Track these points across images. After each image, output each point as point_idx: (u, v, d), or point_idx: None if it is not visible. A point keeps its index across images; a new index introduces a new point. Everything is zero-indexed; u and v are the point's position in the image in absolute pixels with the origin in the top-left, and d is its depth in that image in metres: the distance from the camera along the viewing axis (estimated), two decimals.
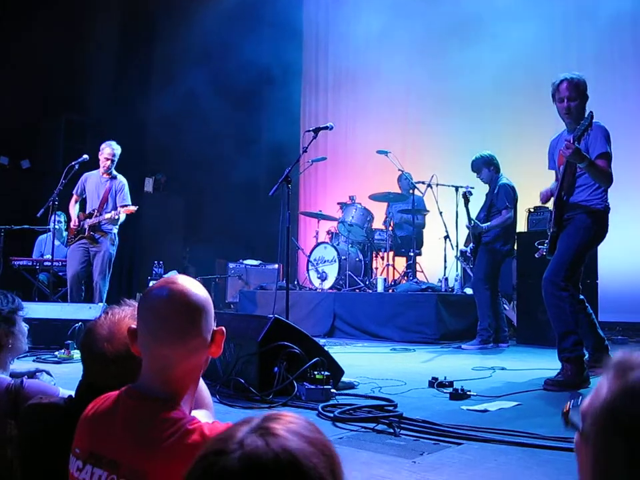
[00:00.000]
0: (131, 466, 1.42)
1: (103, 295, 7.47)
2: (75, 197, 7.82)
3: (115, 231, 7.68)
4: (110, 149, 7.66)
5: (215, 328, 1.60)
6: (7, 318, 2.39)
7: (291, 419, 0.98)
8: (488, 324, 7.02)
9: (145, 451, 1.42)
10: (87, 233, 7.56)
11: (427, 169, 9.17)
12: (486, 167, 7.19)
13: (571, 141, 4.48)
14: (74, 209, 7.77)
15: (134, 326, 1.62)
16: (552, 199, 4.92)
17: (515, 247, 7.49)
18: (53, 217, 8.13)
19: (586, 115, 4.53)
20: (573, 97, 4.69)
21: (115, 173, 7.76)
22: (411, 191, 8.93)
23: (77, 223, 7.63)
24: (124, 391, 1.55)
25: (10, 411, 2.19)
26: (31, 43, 9.28)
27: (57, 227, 8.84)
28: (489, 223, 7.09)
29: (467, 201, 7.07)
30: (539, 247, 4.89)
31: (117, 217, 7.46)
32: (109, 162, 7.64)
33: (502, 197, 7.08)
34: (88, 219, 7.59)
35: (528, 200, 7.71)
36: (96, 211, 7.59)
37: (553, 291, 4.68)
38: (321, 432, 0.98)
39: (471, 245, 7.33)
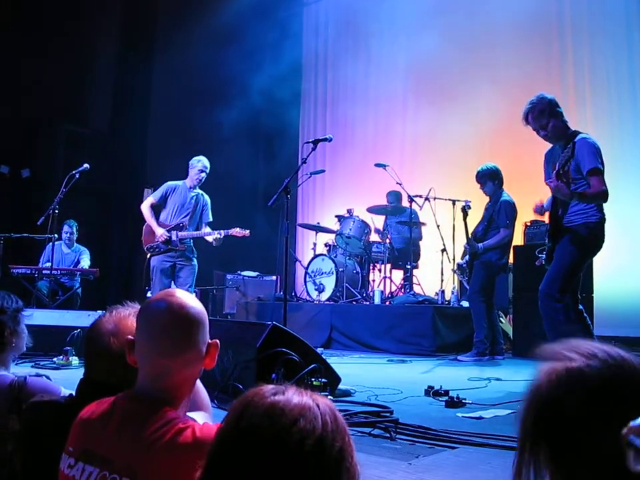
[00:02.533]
0: (124, 462, 1.46)
1: None
2: (152, 200, 7.59)
3: (192, 243, 7.62)
4: (203, 163, 7.58)
5: (209, 341, 1.67)
6: (13, 317, 2.43)
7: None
8: (484, 335, 7.04)
9: (138, 448, 1.46)
10: (178, 247, 7.42)
11: (424, 182, 9.24)
12: (491, 179, 7.19)
13: (557, 168, 4.54)
14: (151, 212, 7.54)
15: (131, 337, 1.67)
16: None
17: (511, 261, 7.55)
18: (62, 226, 8.10)
19: (569, 132, 4.63)
20: (543, 125, 4.78)
21: (198, 189, 7.69)
22: (408, 203, 8.97)
23: (166, 234, 7.39)
24: (121, 395, 1.59)
25: (13, 406, 2.22)
26: (31, 53, 9.35)
27: (66, 235, 8.91)
28: (485, 242, 7.11)
29: (465, 215, 7.11)
30: (539, 255, 4.95)
31: (221, 237, 7.36)
32: (203, 174, 7.55)
33: (503, 214, 7.09)
34: (178, 231, 7.41)
35: (525, 214, 7.77)
36: (184, 224, 7.43)
37: (548, 303, 4.75)
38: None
39: (467, 257, 7.37)
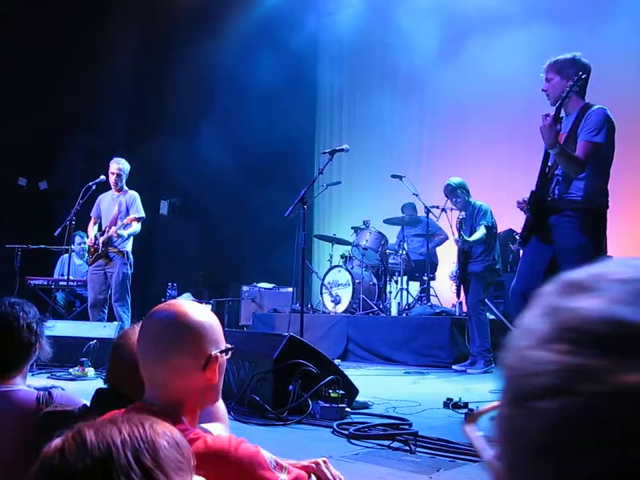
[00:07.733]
0: None
1: (123, 317, 7.23)
2: (93, 219, 7.72)
3: (129, 248, 7.50)
4: (116, 164, 7.56)
5: (211, 353, 1.57)
6: (39, 327, 2.41)
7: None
8: (489, 344, 6.95)
9: None
10: (100, 251, 7.41)
11: (441, 193, 9.18)
12: (462, 191, 7.25)
13: (552, 114, 3.98)
14: (92, 230, 7.65)
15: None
16: None
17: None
18: (74, 237, 8.10)
19: (582, 104, 4.14)
20: (549, 78, 4.22)
21: (126, 188, 7.64)
22: (424, 214, 8.92)
23: (92, 242, 7.51)
24: (131, 406, 1.57)
25: None
26: (49, 64, 9.41)
27: (79, 247, 8.94)
28: (472, 238, 7.08)
29: (460, 227, 7.12)
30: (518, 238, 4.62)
31: (126, 226, 7.27)
32: (114, 176, 7.50)
33: (481, 217, 7.13)
34: (101, 236, 7.46)
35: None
36: (107, 227, 7.45)
37: None
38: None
39: (456, 267, 7.32)
